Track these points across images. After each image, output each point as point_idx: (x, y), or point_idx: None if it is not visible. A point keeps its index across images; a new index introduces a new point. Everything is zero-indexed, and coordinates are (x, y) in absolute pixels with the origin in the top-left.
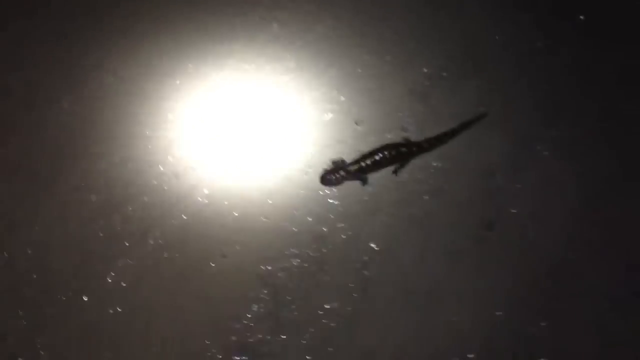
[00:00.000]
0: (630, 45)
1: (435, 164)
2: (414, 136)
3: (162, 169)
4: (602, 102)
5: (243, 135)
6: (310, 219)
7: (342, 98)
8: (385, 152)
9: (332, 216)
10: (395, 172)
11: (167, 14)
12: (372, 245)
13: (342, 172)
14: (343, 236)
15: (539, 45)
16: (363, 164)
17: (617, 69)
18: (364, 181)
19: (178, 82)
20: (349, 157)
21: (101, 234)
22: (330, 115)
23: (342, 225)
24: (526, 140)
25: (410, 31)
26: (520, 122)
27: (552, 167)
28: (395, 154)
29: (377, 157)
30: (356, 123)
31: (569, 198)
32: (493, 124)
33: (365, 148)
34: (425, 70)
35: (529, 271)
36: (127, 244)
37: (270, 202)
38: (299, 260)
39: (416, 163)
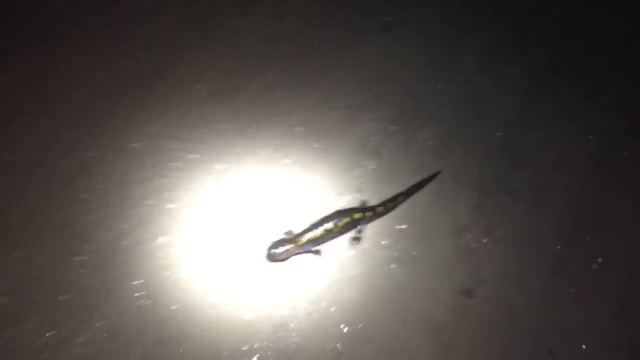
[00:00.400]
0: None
1: (399, 227)
2: (369, 196)
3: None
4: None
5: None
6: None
7: (286, 161)
8: (336, 220)
9: (291, 297)
10: (355, 239)
11: None
12: (342, 327)
13: (289, 246)
14: (308, 322)
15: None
16: (313, 234)
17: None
18: (317, 253)
19: None
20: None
21: None
22: (276, 180)
23: (305, 307)
24: (490, 192)
25: (358, 84)
26: (483, 172)
27: (525, 219)
28: (349, 221)
29: (328, 226)
30: None
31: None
32: (455, 178)
33: (317, 215)
34: (374, 124)
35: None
36: None
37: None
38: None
39: (378, 226)
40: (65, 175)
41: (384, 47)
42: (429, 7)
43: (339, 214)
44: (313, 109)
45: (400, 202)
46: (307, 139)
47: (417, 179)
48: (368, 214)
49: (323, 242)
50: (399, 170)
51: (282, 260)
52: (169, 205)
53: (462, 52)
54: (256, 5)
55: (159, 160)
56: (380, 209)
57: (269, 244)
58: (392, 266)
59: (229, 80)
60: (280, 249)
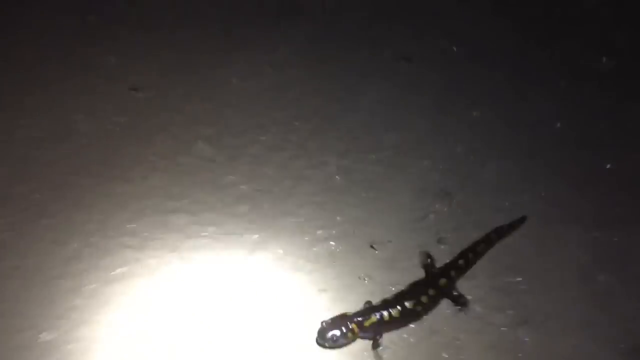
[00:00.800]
0: None
1: (507, 280)
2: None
3: None
4: None
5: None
6: None
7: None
8: (420, 295)
9: None
10: (460, 304)
11: None
12: None
13: (350, 326)
14: None
15: None
16: (380, 314)
17: None
18: (377, 343)
19: None
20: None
21: None
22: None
23: None
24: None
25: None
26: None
27: None
28: (436, 293)
29: (407, 304)
30: (372, 246)
31: None
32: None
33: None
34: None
35: None
36: None
37: None
38: None
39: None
40: None
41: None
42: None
43: (418, 287)
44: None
45: (482, 253)
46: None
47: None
48: (452, 273)
49: (391, 329)
50: (479, 210)
51: (341, 346)
52: None
53: None
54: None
55: None
56: (461, 262)
57: (321, 325)
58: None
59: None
60: (340, 331)
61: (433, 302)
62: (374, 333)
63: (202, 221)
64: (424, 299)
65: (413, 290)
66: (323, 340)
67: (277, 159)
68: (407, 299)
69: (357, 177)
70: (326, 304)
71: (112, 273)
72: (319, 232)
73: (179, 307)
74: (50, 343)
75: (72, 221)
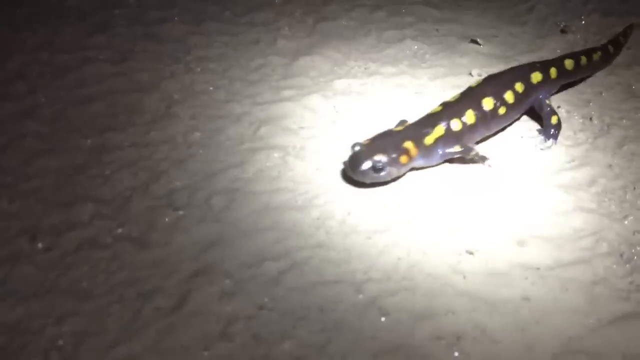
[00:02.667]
0: None
1: None
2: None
3: None
4: None
5: None
6: None
7: None
8: (512, 81)
9: None
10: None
11: None
12: None
13: (402, 147)
14: None
15: None
16: (459, 119)
17: None
18: (480, 159)
19: None
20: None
21: None
22: None
23: None
24: None
25: None
26: None
27: None
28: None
29: (489, 100)
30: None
31: None
32: None
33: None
34: None
35: None
36: None
37: None
38: None
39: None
40: None
41: None
42: None
43: (517, 70)
44: None
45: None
46: None
47: None
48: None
49: (484, 134)
50: None
51: (388, 180)
52: None
53: None
54: None
55: None
56: (598, 54)
57: (355, 147)
58: None
59: None
60: (383, 159)
61: (526, 97)
62: (450, 152)
63: None
64: (520, 87)
65: (509, 76)
66: (358, 171)
67: None
68: (497, 89)
69: None
70: None
71: None
72: None
73: None
74: None
75: None
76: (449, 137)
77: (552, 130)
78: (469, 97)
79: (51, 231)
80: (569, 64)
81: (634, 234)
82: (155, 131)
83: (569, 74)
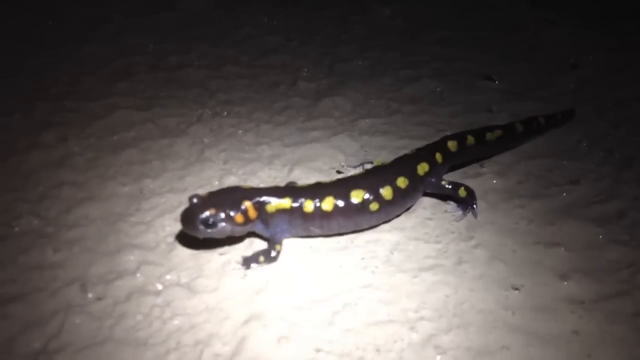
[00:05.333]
0: None
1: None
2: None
3: None
4: None
5: None
6: None
7: None
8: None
9: None
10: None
11: None
12: None
13: (242, 206)
14: None
15: None
16: (301, 202)
17: None
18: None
19: None
20: None
21: None
22: None
23: None
24: None
25: None
26: None
27: None
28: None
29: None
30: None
31: None
32: None
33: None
34: None
35: None
36: None
37: None
38: None
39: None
40: None
41: None
42: None
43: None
44: None
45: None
46: None
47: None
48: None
49: (349, 227)
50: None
51: (221, 236)
52: None
53: None
54: None
55: None
56: (497, 133)
57: (192, 199)
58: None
59: None
60: (216, 215)
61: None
62: (283, 227)
63: None
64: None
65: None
66: (188, 224)
67: None
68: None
69: None
70: None
71: None
72: None
73: None
74: None
75: None
76: (295, 214)
77: (465, 201)
78: (338, 184)
79: (100, 280)
80: (452, 145)
81: None
82: (190, 176)
83: (454, 156)
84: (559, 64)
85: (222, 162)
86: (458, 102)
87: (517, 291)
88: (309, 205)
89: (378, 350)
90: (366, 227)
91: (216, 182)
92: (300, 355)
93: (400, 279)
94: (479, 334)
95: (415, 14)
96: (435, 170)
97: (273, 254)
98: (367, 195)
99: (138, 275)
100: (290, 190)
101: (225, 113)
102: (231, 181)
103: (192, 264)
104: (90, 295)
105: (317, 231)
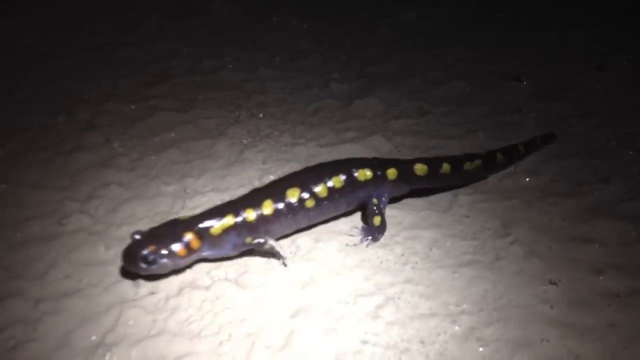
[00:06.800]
0: None
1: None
2: None
3: None
4: None
5: None
6: None
7: None
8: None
9: None
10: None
11: None
12: None
13: (185, 239)
14: None
15: None
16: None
17: None
18: (270, 250)
19: None
20: None
21: None
22: None
23: None
24: None
25: None
26: None
27: None
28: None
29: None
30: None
31: None
32: None
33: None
34: None
35: None
36: None
37: None
38: None
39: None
40: None
41: None
42: None
43: (344, 164)
44: None
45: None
46: None
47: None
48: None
49: (292, 227)
50: None
51: (166, 271)
52: None
53: None
54: None
55: None
56: (476, 163)
57: (134, 236)
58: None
59: None
60: (155, 252)
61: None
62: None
63: None
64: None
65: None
66: (128, 263)
67: None
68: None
69: None
70: None
71: None
72: None
73: None
74: None
75: None
76: (242, 227)
77: (373, 230)
78: (274, 186)
79: (151, 276)
80: (420, 169)
81: None
82: (231, 176)
83: (420, 180)
84: (585, 65)
85: (260, 162)
86: (487, 103)
87: (554, 286)
88: (251, 215)
89: (422, 342)
90: (308, 224)
91: (256, 182)
92: (348, 347)
93: (440, 274)
94: (518, 327)
95: (440, 17)
96: (380, 183)
97: (273, 251)
98: (303, 194)
99: (187, 270)
100: (229, 206)
101: (261, 115)
102: (271, 180)
103: (237, 261)
104: (143, 290)
105: (270, 234)
